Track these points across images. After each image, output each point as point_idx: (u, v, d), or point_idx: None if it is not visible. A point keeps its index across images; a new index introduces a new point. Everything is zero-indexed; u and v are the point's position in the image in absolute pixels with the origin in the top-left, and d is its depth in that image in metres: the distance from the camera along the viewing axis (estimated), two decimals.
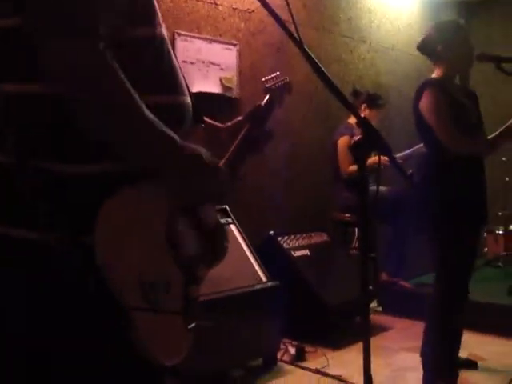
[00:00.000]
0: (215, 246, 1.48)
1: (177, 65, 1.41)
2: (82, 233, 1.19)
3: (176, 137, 1.27)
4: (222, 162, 1.58)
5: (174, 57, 1.40)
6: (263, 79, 1.83)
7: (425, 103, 3.13)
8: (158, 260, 1.29)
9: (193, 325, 1.39)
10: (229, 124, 1.83)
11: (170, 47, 1.39)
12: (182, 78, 1.42)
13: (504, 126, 3.17)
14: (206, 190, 1.35)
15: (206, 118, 1.67)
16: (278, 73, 1.88)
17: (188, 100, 1.43)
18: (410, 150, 5.08)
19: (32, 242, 1.22)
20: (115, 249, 1.21)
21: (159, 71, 1.34)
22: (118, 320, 1.21)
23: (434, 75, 3.28)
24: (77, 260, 1.20)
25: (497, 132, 3.17)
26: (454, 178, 3.14)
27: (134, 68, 1.23)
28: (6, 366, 1.28)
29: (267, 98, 1.80)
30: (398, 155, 5.10)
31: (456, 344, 3.30)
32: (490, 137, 3.20)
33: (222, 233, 1.51)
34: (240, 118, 1.82)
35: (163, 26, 1.38)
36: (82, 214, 1.20)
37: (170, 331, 1.34)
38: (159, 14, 1.36)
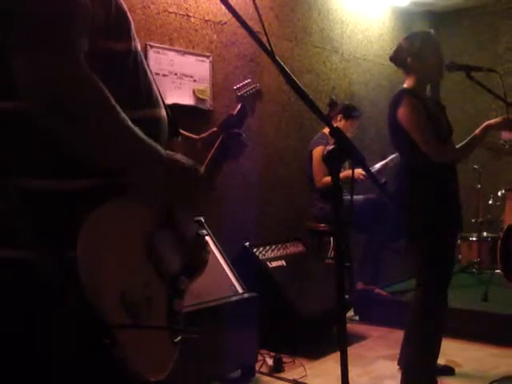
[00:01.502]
0: (196, 258, 1.48)
1: (152, 78, 1.41)
2: (63, 249, 1.17)
3: (161, 148, 1.27)
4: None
5: (148, 70, 1.41)
6: (235, 87, 1.84)
7: (403, 113, 3.16)
8: (141, 275, 1.28)
9: (178, 338, 1.39)
10: (203, 135, 1.84)
11: (144, 61, 1.39)
12: (157, 91, 1.43)
13: (472, 135, 3.23)
14: (192, 200, 1.36)
15: (181, 130, 1.67)
16: (249, 80, 1.88)
17: (164, 113, 1.44)
18: (386, 160, 5.12)
19: (13, 260, 1.21)
20: (97, 265, 1.19)
21: (135, 85, 1.35)
22: (101, 337, 1.19)
23: (405, 85, 3.31)
24: (58, 277, 1.19)
25: (465, 140, 3.23)
26: (431, 184, 3.18)
27: (110, 82, 1.22)
28: None
29: (239, 106, 1.82)
30: (375, 167, 5.14)
31: (437, 351, 3.32)
32: (458, 145, 3.25)
33: (201, 244, 1.51)
34: (214, 129, 1.83)
35: (137, 39, 1.38)
36: (63, 230, 1.19)
37: (156, 346, 1.33)
38: (133, 28, 1.36)
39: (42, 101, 1.13)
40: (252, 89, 1.87)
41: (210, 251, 1.54)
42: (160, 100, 1.43)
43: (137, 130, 1.22)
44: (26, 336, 1.22)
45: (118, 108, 1.19)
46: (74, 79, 1.14)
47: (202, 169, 1.53)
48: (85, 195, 1.21)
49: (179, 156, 1.34)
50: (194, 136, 1.84)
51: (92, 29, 1.21)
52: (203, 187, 1.39)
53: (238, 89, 1.83)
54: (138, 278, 1.27)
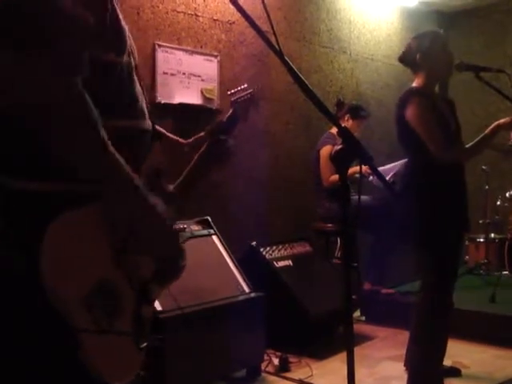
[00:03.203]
0: (170, 266, 1.45)
1: (139, 89, 1.41)
2: (28, 251, 1.17)
3: (137, 179, 1.26)
4: (179, 178, 1.59)
5: (137, 82, 1.40)
6: (229, 92, 1.82)
7: (412, 112, 3.15)
8: (107, 280, 1.27)
9: (144, 344, 1.37)
10: (190, 139, 1.84)
11: (133, 73, 1.39)
12: (143, 101, 1.42)
13: (481, 135, 3.22)
14: (149, 240, 1.32)
15: (167, 133, 1.67)
16: (245, 85, 1.87)
17: (148, 123, 1.43)
18: (396, 170, 5.03)
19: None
20: (62, 269, 1.18)
21: (122, 96, 1.34)
22: (65, 340, 1.19)
23: (414, 84, 3.31)
24: (23, 280, 1.19)
25: (475, 140, 3.22)
26: (439, 184, 3.17)
27: (97, 92, 1.22)
28: None
29: (231, 111, 1.79)
30: (391, 174, 5.06)
31: (443, 353, 3.31)
32: (468, 145, 3.24)
33: (176, 252, 1.49)
34: (202, 134, 1.82)
35: (133, 52, 1.39)
36: (28, 231, 1.19)
37: (121, 351, 1.33)
38: (129, 41, 1.36)
39: (18, 101, 1.13)
40: (246, 94, 1.86)
41: (185, 257, 1.48)
42: (146, 111, 1.43)
43: (114, 152, 1.21)
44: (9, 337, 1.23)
45: (99, 125, 1.18)
46: (53, 82, 1.13)
47: (177, 181, 1.51)
48: (53, 197, 1.21)
49: (154, 199, 1.31)
50: (181, 140, 1.84)
51: (87, 37, 1.21)
52: (169, 234, 1.36)
53: (232, 94, 1.83)
54: (104, 281, 1.26)
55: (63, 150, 1.18)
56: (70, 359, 1.20)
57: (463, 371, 3.84)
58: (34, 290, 1.17)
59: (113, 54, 1.31)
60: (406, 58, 3.36)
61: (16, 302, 1.21)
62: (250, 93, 1.85)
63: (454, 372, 3.80)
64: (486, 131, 3.22)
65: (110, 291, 1.27)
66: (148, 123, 1.43)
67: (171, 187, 1.58)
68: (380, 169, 5.01)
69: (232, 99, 1.81)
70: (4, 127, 1.21)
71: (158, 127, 1.53)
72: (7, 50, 1.12)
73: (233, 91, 1.82)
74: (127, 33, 1.35)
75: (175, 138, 1.80)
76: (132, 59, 1.39)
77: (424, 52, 3.23)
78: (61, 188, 1.22)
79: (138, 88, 1.41)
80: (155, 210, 1.30)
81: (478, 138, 3.22)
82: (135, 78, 1.40)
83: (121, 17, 1.33)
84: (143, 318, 1.37)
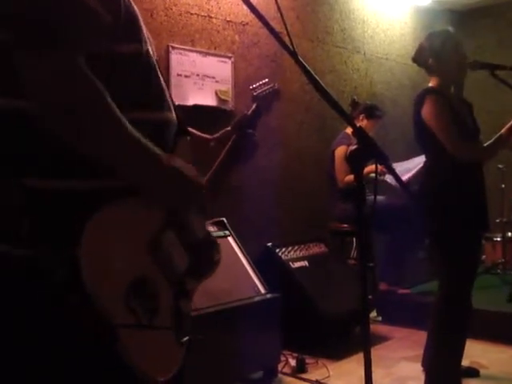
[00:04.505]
0: (204, 259, 1.47)
1: (162, 81, 1.42)
2: (65, 248, 1.18)
3: (159, 152, 1.28)
4: (208, 174, 1.60)
5: (159, 73, 1.41)
6: (251, 87, 1.84)
7: (428, 111, 3.14)
8: (145, 275, 1.28)
9: (186, 338, 1.38)
10: (217, 135, 1.85)
11: (156, 63, 1.40)
12: (167, 93, 1.43)
13: (498, 134, 3.19)
14: (187, 204, 1.37)
15: (193, 130, 1.68)
16: (266, 80, 1.89)
17: (173, 116, 1.44)
18: (415, 170, 4.97)
19: (13, 256, 1.22)
20: (101, 264, 1.20)
21: (145, 88, 1.35)
22: (104, 335, 1.20)
23: (430, 84, 3.29)
24: (62, 276, 1.19)
25: (491, 140, 3.20)
26: (456, 184, 3.15)
27: (121, 84, 1.23)
28: None
29: (254, 106, 1.82)
30: (408, 175, 5.02)
31: (461, 353, 3.28)
32: (485, 144, 3.22)
33: (211, 246, 1.51)
34: (228, 128, 1.83)
35: (150, 42, 1.39)
36: (67, 229, 1.20)
37: (162, 346, 1.34)
38: (145, 31, 1.37)
39: (40, 100, 1.15)
40: (269, 89, 1.87)
41: (220, 252, 1.52)
42: (171, 103, 1.44)
43: (134, 130, 1.22)
44: (27, 334, 1.24)
45: (114, 107, 1.19)
46: (70, 79, 1.14)
47: (209, 174, 1.53)
48: (88, 196, 1.22)
49: (179, 162, 1.34)
50: (206, 136, 1.85)
51: (100, 31, 1.21)
52: (201, 196, 1.39)
53: (254, 88, 1.84)
54: (143, 277, 1.27)
55: (84, 140, 1.19)
56: (111, 356, 1.21)
57: (481, 371, 3.81)
58: (72, 289, 1.18)
59: (133, 44, 1.32)
60: (419, 59, 3.34)
61: (52, 299, 1.21)
62: (272, 87, 1.86)
63: (472, 372, 3.78)
64: (502, 130, 3.20)
65: (147, 287, 1.28)
66: (173, 116, 1.44)
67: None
68: (396, 166, 4.97)
69: (254, 94, 1.82)
70: (26, 128, 1.22)
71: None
72: (23, 49, 1.13)
73: (255, 86, 1.83)
74: (141, 22, 1.36)
75: (200, 134, 1.81)
76: (152, 50, 1.40)
77: (435, 55, 3.21)
78: (92, 186, 1.23)
79: (161, 78, 1.42)
80: (194, 180, 1.34)
81: (495, 137, 3.20)
82: (158, 69, 1.41)
83: (134, 6, 1.34)
84: (182, 313, 1.38)
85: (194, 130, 1.69)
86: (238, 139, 1.73)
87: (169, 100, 1.43)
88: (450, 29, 3.40)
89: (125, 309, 1.22)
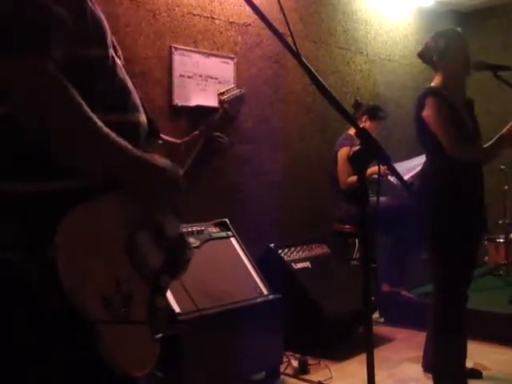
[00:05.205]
0: (178, 257, 1.51)
1: (130, 84, 1.44)
2: (42, 250, 1.20)
3: (133, 148, 1.30)
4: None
5: (126, 76, 1.43)
6: (218, 92, 1.94)
7: (428, 111, 3.15)
8: (120, 273, 1.31)
9: (160, 335, 1.41)
10: (186, 138, 1.91)
11: (121, 66, 1.42)
12: (136, 96, 1.45)
13: (499, 134, 3.19)
14: (168, 199, 1.39)
15: (162, 135, 1.72)
16: (233, 85, 1.99)
17: (143, 117, 1.46)
18: (416, 170, 4.97)
19: (5, 261, 1.24)
20: (76, 264, 1.23)
21: (111, 90, 1.36)
22: (83, 333, 1.23)
23: (433, 84, 3.30)
24: (39, 277, 1.21)
25: (492, 140, 3.20)
26: (455, 185, 3.15)
27: (87, 87, 1.24)
28: None
29: (221, 110, 1.90)
30: (410, 175, 5.02)
31: (463, 353, 3.28)
32: (485, 145, 3.23)
33: (184, 244, 1.55)
34: (196, 132, 1.89)
35: (115, 45, 1.42)
36: (41, 231, 1.21)
37: (138, 342, 1.37)
38: (110, 36, 1.39)
39: (12, 101, 1.17)
40: (236, 93, 1.97)
41: (192, 250, 1.57)
42: (139, 105, 1.46)
43: (106, 129, 1.24)
44: (10, 336, 1.26)
45: (85, 107, 1.21)
46: (42, 81, 1.17)
47: (181, 171, 1.56)
48: (61, 197, 1.24)
49: (155, 156, 1.37)
50: (176, 140, 1.92)
51: (65, 36, 1.23)
52: (179, 187, 1.41)
53: (222, 93, 1.93)
54: (118, 275, 1.30)
55: (59, 140, 1.20)
56: (91, 353, 1.24)
57: (484, 373, 3.80)
58: (50, 289, 1.20)
59: (99, 48, 1.34)
60: (424, 56, 3.36)
61: (34, 301, 1.23)
62: (238, 91, 1.95)
63: (475, 374, 3.77)
64: (503, 131, 3.20)
65: (123, 284, 1.31)
66: (142, 117, 1.46)
67: None
68: (397, 165, 4.96)
69: (221, 98, 1.90)
70: (5, 132, 1.23)
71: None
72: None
73: (222, 91, 1.92)
74: (107, 26, 1.38)
75: (170, 138, 1.87)
76: (116, 54, 1.42)
77: (441, 52, 3.23)
78: (65, 186, 1.25)
79: (130, 83, 1.44)
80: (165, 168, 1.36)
81: (496, 137, 3.20)
82: (124, 72, 1.43)
83: (99, 11, 1.36)
84: (157, 309, 1.41)
85: (163, 135, 1.73)
86: (206, 142, 1.80)
87: (137, 102, 1.45)
88: (458, 29, 3.40)
89: (102, 306, 1.25)
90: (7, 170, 1.25)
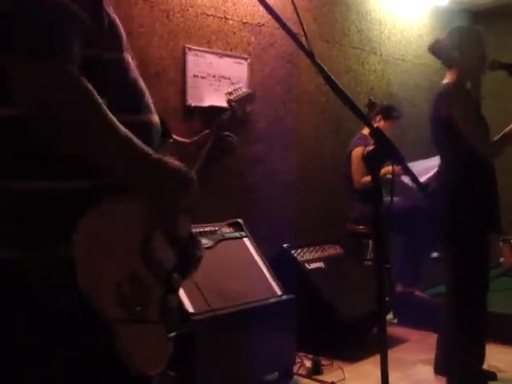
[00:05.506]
0: (189, 256, 1.52)
1: (143, 85, 1.45)
2: (59, 249, 1.21)
3: (151, 151, 1.31)
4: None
5: (139, 77, 1.44)
6: (226, 92, 1.95)
7: (455, 108, 3.11)
8: (134, 273, 1.32)
9: (173, 334, 1.43)
10: (196, 138, 1.92)
11: (135, 69, 1.43)
12: (148, 97, 1.46)
13: (503, 132, 3.18)
14: (180, 200, 1.39)
15: (173, 135, 1.73)
16: (240, 85, 2.00)
17: (155, 118, 1.47)
18: (431, 173, 4.95)
19: (4, 260, 1.24)
20: (92, 263, 1.24)
21: (124, 92, 1.37)
22: (100, 332, 1.24)
23: (446, 80, 3.27)
24: (49, 277, 1.22)
25: (498, 136, 3.18)
26: (471, 183, 3.14)
27: (100, 89, 1.24)
28: None
29: (229, 110, 1.92)
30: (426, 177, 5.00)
31: (479, 354, 3.26)
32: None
33: (195, 243, 1.56)
34: (206, 131, 1.91)
35: (128, 48, 1.42)
36: (58, 231, 1.22)
37: (151, 342, 1.38)
38: (125, 38, 1.40)
39: (30, 104, 1.17)
40: (244, 92, 1.98)
41: (203, 249, 1.58)
42: (151, 106, 1.47)
43: (123, 128, 1.25)
44: (19, 338, 1.26)
45: (105, 108, 1.22)
46: (62, 83, 1.17)
47: (193, 171, 1.57)
48: (78, 197, 1.24)
49: (168, 158, 1.37)
50: (186, 140, 1.93)
51: (87, 38, 1.24)
52: (191, 188, 1.41)
53: (229, 93, 1.94)
54: (133, 275, 1.32)
55: (76, 142, 1.21)
56: (107, 352, 1.25)
57: (499, 375, 3.77)
58: (66, 290, 1.21)
59: (114, 51, 1.35)
60: (439, 50, 3.32)
61: (42, 300, 1.23)
62: (247, 91, 1.96)
63: (490, 376, 3.74)
64: (507, 129, 3.18)
65: (138, 283, 1.32)
66: (155, 118, 1.46)
67: None
68: (412, 165, 4.93)
69: (228, 98, 1.92)
70: (12, 133, 1.23)
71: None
72: (18, 54, 1.15)
73: (229, 90, 1.92)
74: (121, 28, 1.40)
75: (180, 138, 1.88)
76: (130, 56, 1.43)
77: (456, 48, 3.20)
78: (80, 186, 1.25)
79: (142, 84, 1.45)
80: (179, 171, 1.37)
81: (499, 136, 3.18)
82: (137, 73, 1.44)
83: (115, 16, 1.38)
84: (170, 308, 1.42)
85: (174, 135, 1.75)
86: (216, 142, 1.81)
87: (149, 103, 1.46)
88: (477, 27, 3.38)
89: (118, 306, 1.27)
90: (8, 169, 1.25)
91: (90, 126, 1.20)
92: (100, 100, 1.20)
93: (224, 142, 1.82)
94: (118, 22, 1.38)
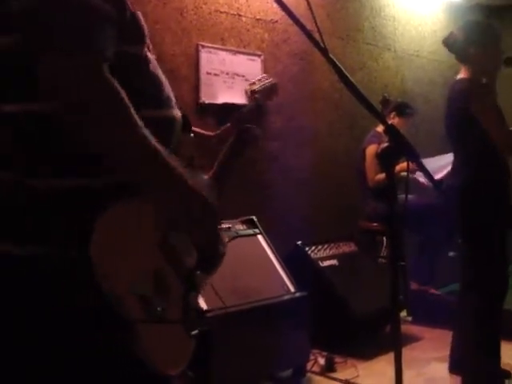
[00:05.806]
0: (212, 252, 1.50)
1: (163, 79, 1.44)
2: (78, 248, 1.19)
3: (183, 170, 1.29)
4: (213, 169, 1.65)
5: (159, 71, 1.43)
6: (249, 83, 1.92)
7: (479, 103, 3.07)
8: (157, 271, 1.30)
9: (195, 332, 1.40)
10: (218, 131, 1.90)
11: (156, 64, 1.42)
12: (169, 91, 1.45)
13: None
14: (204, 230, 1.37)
15: (195, 128, 1.72)
16: (264, 75, 1.96)
17: (177, 112, 1.46)
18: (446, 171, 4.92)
19: (16, 256, 1.23)
20: (112, 262, 1.22)
21: (147, 87, 1.37)
22: (121, 332, 1.22)
23: (460, 75, 3.24)
24: (75, 275, 1.21)
25: None
26: (487, 179, 3.11)
27: (123, 84, 1.23)
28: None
29: (252, 101, 1.90)
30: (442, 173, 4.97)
31: (495, 352, 3.23)
32: None
33: (218, 239, 1.53)
34: (228, 125, 1.89)
35: (149, 43, 1.41)
36: (77, 228, 1.21)
37: (173, 341, 1.36)
38: (147, 32, 1.39)
39: (62, 101, 1.16)
40: (266, 83, 1.94)
41: (226, 246, 1.55)
42: (173, 100, 1.46)
43: (155, 142, 1.23)
44: (35, 336, 1.25)
45: (133, 111, 1.20)
46: (94, 81, 1.16)
47: (212, 171, 1.55)
48: (97, 195, 1.23)
49: (199, 181, 1.36)
50: (208, 133, 1.91)
51: (115, 33, 1.24)
52: (217, 219, 1.40)
53: (252, 84, 1.91)
54: (155, 274, 1.30)
55: (102, 141, 1.20)
56: (128, 353, 1.23)
57: None
58: (86, 289, 1.19)
59: (136, 45, 1.34)
60: (453, 45, 3.29)
61: (61, 299, 1.22)
62: (270, 81, 1.93)
63: (504, 375, 3.72)
64: None
65: (160, 281, 1.30)
66: (177, 112, 1.45)
67: (206, 177, 1.64)
68: (427, 161, 4.90)
69: (252, 89, 1.89)
70: (38, 130, 1.23)
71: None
72: (51, 51, 1.15)
73: (253, 81, 1.90)
74: (143, 22, 1.39)
75: (202, 131, 1.86)
76: (149, 49, 1.42)
77: (473, 44, 3.17)
78: (101, 183, 1.24)
79: (164, 78, 1.44)
80: (198, 191, 1.33)
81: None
82: (157, 67, 1.43)
83: (138, 12, 1.38)
84: (191, 306, 1.40)
85: (195, 128, 1.73)
86: (239, 134, 1.79)
87: (171, 96, 1.45)
88: (494, 22, 3.35)
89: (140, 306, 1.24)
90: (33, 167, 1.24)
91: (118, 128, 1.19)
92: (128, 101, 1.19)
93: (247, 133, 1.81)
94: (139, 15, 1.38)
